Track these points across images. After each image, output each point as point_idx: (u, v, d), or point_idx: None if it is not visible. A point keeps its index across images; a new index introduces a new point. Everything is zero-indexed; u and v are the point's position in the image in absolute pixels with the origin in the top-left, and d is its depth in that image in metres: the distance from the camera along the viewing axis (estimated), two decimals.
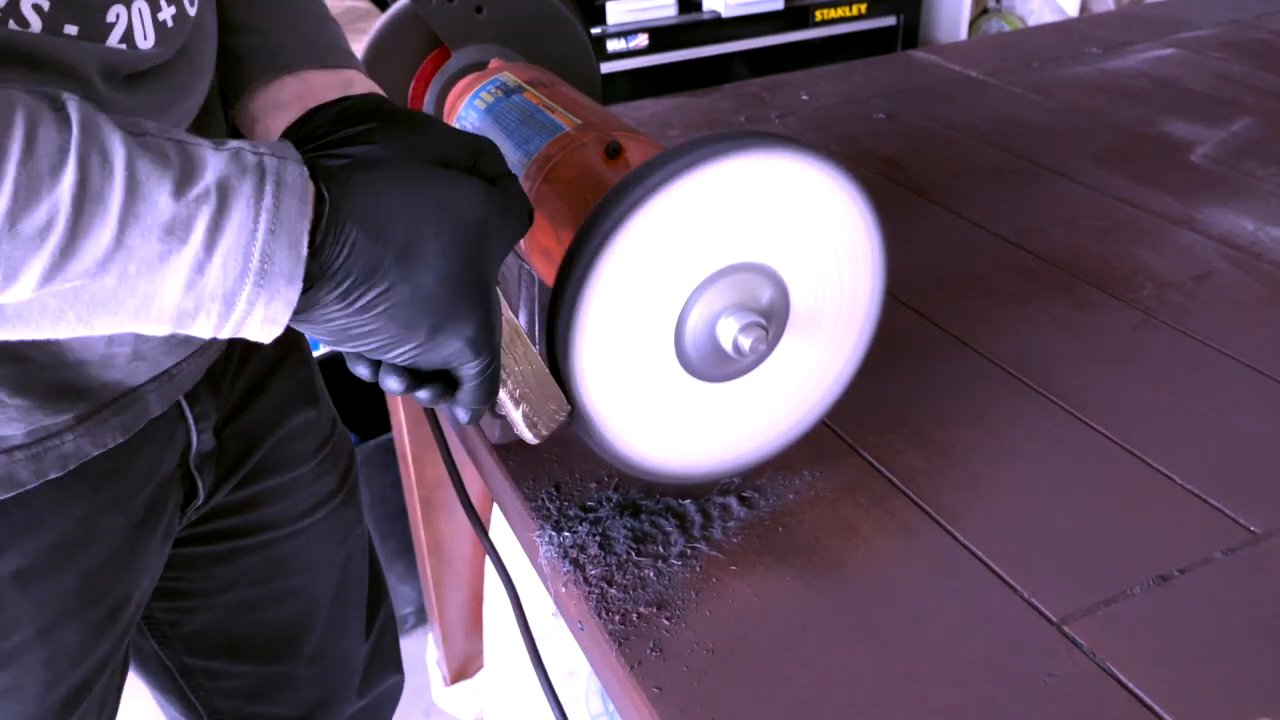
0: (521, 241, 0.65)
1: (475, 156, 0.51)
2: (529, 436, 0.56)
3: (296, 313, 0.44)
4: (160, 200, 0.40)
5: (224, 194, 0.41)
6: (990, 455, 0.70)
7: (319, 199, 0.44)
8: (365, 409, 1.55)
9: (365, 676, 0.98)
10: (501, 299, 0.54)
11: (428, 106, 0.79)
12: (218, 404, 0.71)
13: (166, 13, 0.52)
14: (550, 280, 0.56)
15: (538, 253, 0.64)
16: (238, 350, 0.73)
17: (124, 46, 0.50)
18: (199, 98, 0.59)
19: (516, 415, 0.55)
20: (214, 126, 0.62)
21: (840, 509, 0.65)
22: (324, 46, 0.62)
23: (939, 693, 0.54)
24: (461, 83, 0.74)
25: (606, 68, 2.19)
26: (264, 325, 0.44)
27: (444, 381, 0.51)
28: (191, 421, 0.68)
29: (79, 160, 0.38)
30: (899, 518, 0.65)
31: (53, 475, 0.58)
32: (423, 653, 1.67)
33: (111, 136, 0.39)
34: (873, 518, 0.65)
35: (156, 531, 0.69)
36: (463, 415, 0.53)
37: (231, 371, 0.73)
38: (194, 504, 0.73)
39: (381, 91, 0.60)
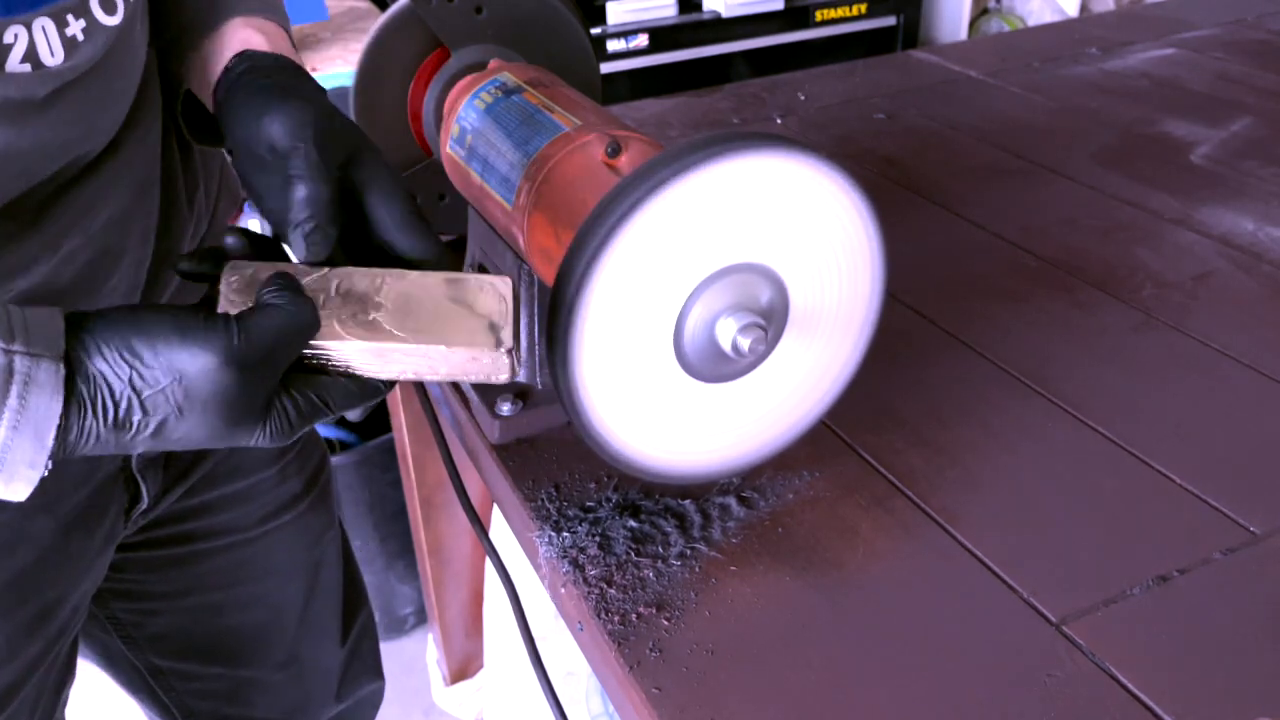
0: (521, 241, 0.65)
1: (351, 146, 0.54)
2: (505, 373, 0.55)
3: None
4: None
5: None
6: (990, 455, 0.70)
7: (70, 386, 0.45)
8: None
9: (343, 682, 0.97)
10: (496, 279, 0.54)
11: (427, 107, 0.79)
12: None
13: (75, 27, 0.52)
14: (550, 280, 0.56)
15: (538, 253, 0.63)
16: None
17: (28, 67, 0.50)
18: (126, 103, 0.59)
19: (487, 359, 0.54)
20: (147, 114, 0.63)
21: (840, 509, 0.65)
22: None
23: (939, 693, 0.54)
24: (461, 83, 0.74)
25: (606, 68, 2.19)
26: (7, 492, 0.45)
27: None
28: None
29: None
30: (899, 518, 0.65)
31: None
32: (423, 653, 1.67)
33: None
34: (873, 518, 0.65)
35: (94, 535, 0.68)
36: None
37: None
38: (138, 508, 0.73)
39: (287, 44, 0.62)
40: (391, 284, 0.54)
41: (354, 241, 0.56)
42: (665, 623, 0.58)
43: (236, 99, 0.57)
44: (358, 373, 0.52)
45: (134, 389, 0.45)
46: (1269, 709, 0.52)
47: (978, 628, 0.57)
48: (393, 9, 0.78)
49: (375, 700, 1.04)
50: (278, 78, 0.57)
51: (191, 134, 0.68)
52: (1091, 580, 0.60)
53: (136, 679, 0.86)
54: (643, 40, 2.22)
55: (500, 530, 0.91)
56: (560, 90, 0.71)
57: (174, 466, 0.74)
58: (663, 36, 2.24)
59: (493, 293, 0.55)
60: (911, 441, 0.71)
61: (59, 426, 0.45)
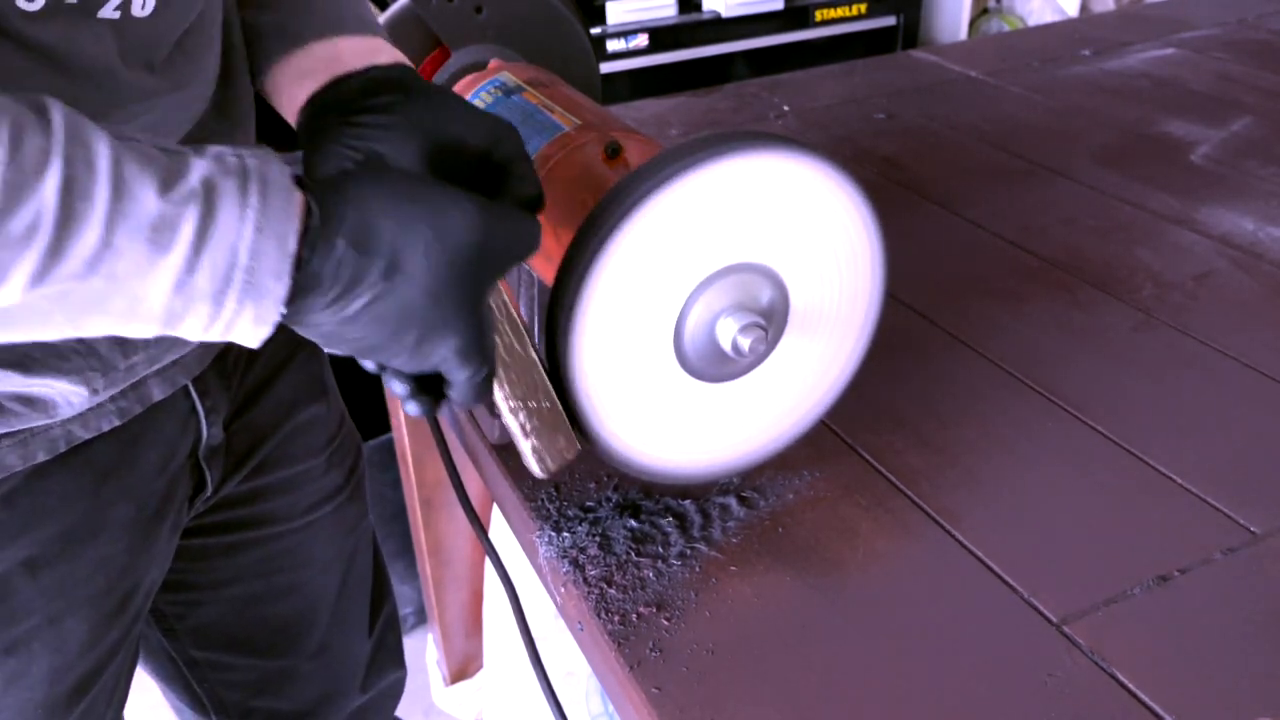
0: None
1: (493, 140, 0.51)
2: (536, 470, 0.57)
3: (284, 316, 0.44)
4: (147, 199, 0.40)
5: (210, 193, 0.41)
6: (990, 455, 0.70)
7: (308, 211, 0.44)
8: (365, 409, 1.55)
9: (368, 672, 0.98)
10: (524, 333, 0.55)
11: None
12: (228, 397, 0.71)
13: None
14: (550, 280, 0.56)
15: (537, 254, 0.63)
16: None
17: (118, 15, 0.49)
18: (203, 90, 0.59)
19: (525, 447, 0.56)
20: (236, 116, 0.62)
21: (840, 509, 0.65)
22: (352, 16, 0.61)
23: (939, 693, 0.54)
24: (461, 83, 0.74)
25: (606, 68, 2.19)
26: (254, 326, 0.43)
27: (437, 393, 0.52)
28: (202, 414, 0.68)
29: (64, 160, 0.38)
30: (899, 518, 0.65)
31: (41, 459, 0.58)
32: (423, 653, 1.67)
33: (96, 138, 0.39)
34: (873, 518, 0.65)
35: (165, 522, 0.69)
36: (457, 407, 0.54)
37: (242, 365, 0.73)
38: (202, 496, 0.73)
39: (408, 61, 0.59)
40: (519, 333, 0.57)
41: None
42: (665, 623, 0.58)
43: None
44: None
45: (383, 214, 0.44)
46: (1269, 709, 0.52)
47: (978, 628, 0.57)
48: (393, 9, 0.78)
49: (397, 690, 1.05)
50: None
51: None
52: (1091, 580, 0.60)
53: (172, 670, 0.86)
54: (643, 40, 2.22)
55: (500, 530, 0.91)
56: (560, 90, 0.71)
57: (234, 452, 0.75)
58: (663, 36, 2.24)
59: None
60: (911, 441, 0.71)
61: (300, 234, 0.42)
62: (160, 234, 0.40)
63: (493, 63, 0.75)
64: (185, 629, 0.84)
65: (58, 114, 0.39)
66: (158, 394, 0.63)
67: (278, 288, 0.42)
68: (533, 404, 0.55)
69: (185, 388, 0.66)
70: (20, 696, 0.63)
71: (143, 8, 0.51)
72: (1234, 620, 0.57)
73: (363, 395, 1.40)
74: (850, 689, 0.54)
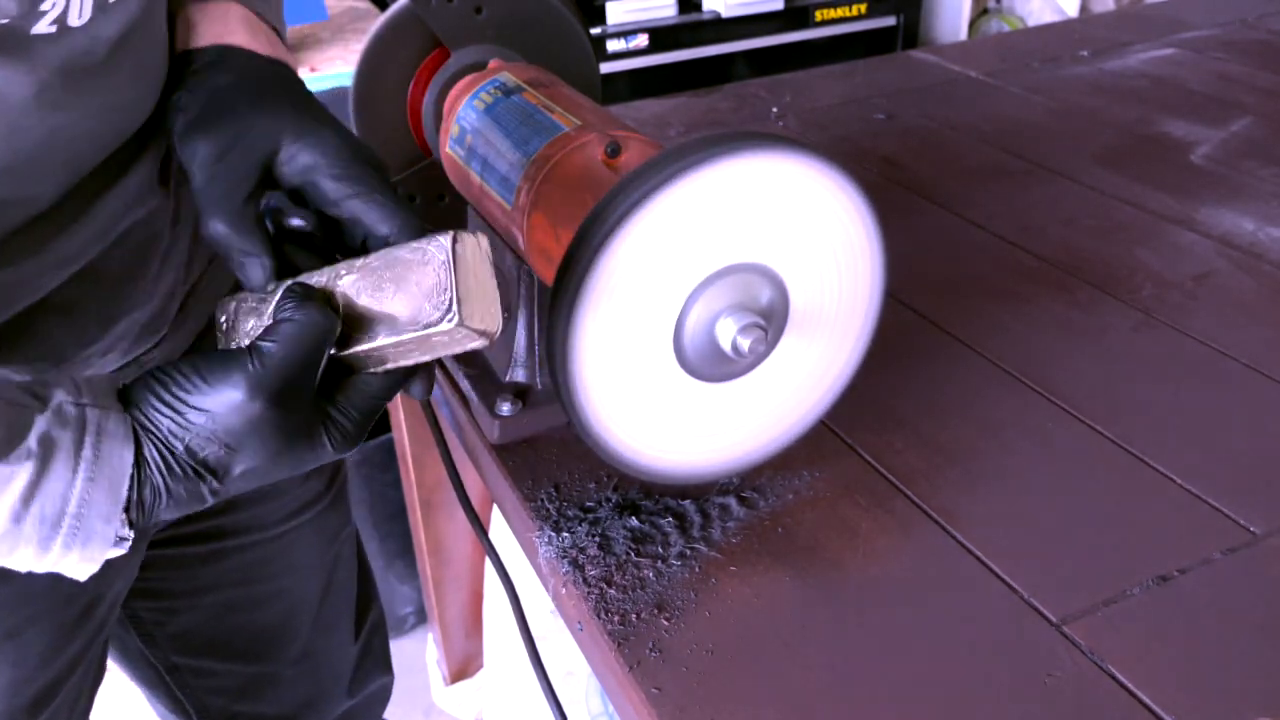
0: (521, 241, 0.65)
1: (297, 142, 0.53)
2: (481, 342, 0.52)
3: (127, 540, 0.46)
4: None
5: (46, 449, 0.43)
6: (990, 455, 0.70)
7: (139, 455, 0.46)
8: None
9: (355, 677, 0.98)
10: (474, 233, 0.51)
11: (427, 107, 0.79)
12: None
13: None
14: (550, 280, 0.56)
15: (537, 253, 0.63)
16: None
17: (54, 29, 0.49)
18: (160, 76, 0.59)
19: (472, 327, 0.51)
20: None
21: (840, 509, 0.65)
22: None
23: (939, 693, 0.54)
24: (461, 83, 0.74)
25: (606, 68, 2.19)
26: (80, 563, 0.46)
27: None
28: None
29: None
30: (899, 518, 0.65)
31: None
32: (423, 653, 1.67)
33: None
34: (873, 518, 0.65)
35: None
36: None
37: None
38: None
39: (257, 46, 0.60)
40: (374, 269, 0.52)
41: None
42: (665, 623, 0.58)
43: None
44: (390, 364, 0.51)
45: (179, 435, 0.46)
46: (1269, 709, 0.52)
47: (978, 628, 0.57)
48: (393, 9, 0.77)
49: (384, 695, 1.05)
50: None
51: None
52: (1091, 580, 0.60)
53: (153, 676, 0.86)
54: (643, 40, 2.22)
55: (500, 530, 0.91)
56: (560, 90, 0.71)
57: None
58: (663, 36, 2.24)
59: (431, 264, 0.51)
60: (911, 441, 0.71)
61: (132, 479, 0.45)
62: None
63: (493, 63, 0.75)
64: (164, 635, 0.83)
65: None
66: None
67: (107, 530, 0.45)
68: (470, 283, 0.50)
69: None
70: None
71: (80, 16, 0.51)
72: (1234, 620, 0.57)
73: None
74: (850, 689, 0.54)
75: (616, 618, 0.58)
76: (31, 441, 0.43)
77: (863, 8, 2.41)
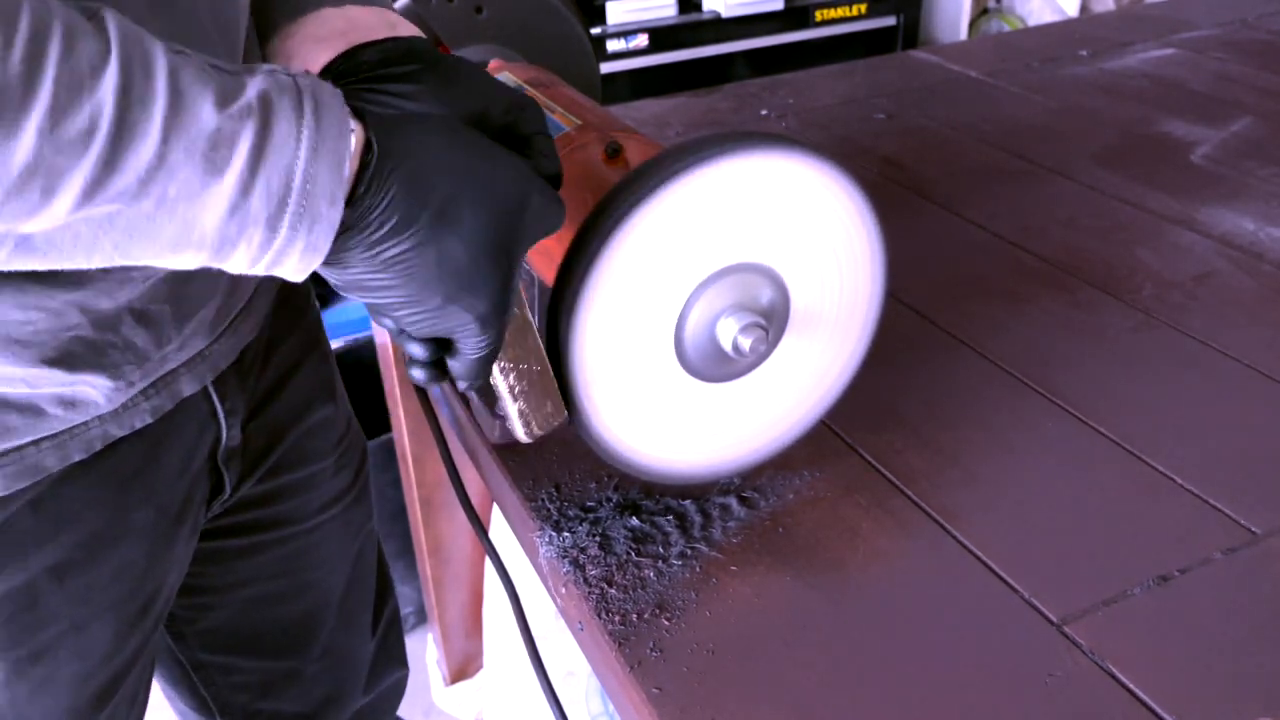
0: None
1: (516, 113, 0.51)
2: (521, 434, 0.56)
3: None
4: (204, 112, 0.38)
5: (266, 109, 0.40)
6: (990, 455, 0.70)
7: (367, 145, 0.43)
8: (365, 409, 1.55)
9: (372, 672, 0.98)
10: (522, 293, 0.53)
11: None
12: (245, 398, 0.71)
13: None
14: (550, 280, 0.56)
15: (538, 252, 0.63)
16: (264, 340, 0.73)
17: None
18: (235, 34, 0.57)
19: (512, 410, 0.55)
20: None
21: (840, 509, 0.65)
22: None
23: (939, 693, 0.54)
24: None
25: (606, 68, 2.19)
26: (303, 255, 0.42)
27: (440, 367, 0.51)
28: (222, 416, 0.68)
29: (121, 64, 0.36)
30: (899, 518, 0.65)
31: (76, 459, 0.58)
32: (423, 653, 1.67)
33: (153, 46, 0.38)
34: (873, 518, 0.65)
35: (185, 526, 0.69)
36: (460, 384, 0.53)
37: (258, 365, 0.73)
38: (220, 498, 0.73)
39: (424, 35, 0.59)
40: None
41: None
42: (666, 623, 0.58)
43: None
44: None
45: (439, 160, 0.43)
46: (1269, 709, 0.52)
47: (978, 628, 0.57)
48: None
49: (399, 690, 1.05)
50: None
51: None
52: (1091, 580, 0.60)
53: (178, 673, 0.86)
54: (643, 40, 2.22)
55: (500, 530, 0.91)
56: (560, 90, 0.71)
57: (250, 454, 0.74)
58: (663, 36, 2.24)
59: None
60: (911, 441, 0.71)
61: (355, 162, 0.41)
62: (216, 151, 0.38)
63: (493, 63, 0.75)
64: (194, 632, 0.84)
65: (112, 19, 0.37)
66: (188, 389, 0.62)
67: (332, 213, 0.41)
68: (524, 366, 0.54)
69: (205, 389, 0.67)
70: (45, 704, 0.63)
71: None
72: (1234, 620, 0.57)
73: (363, 395, 1.40)
74: (850, 689, 0.54)
75: (617, 617, 0.58)
76: (251, 95, 0.39)
77: (863, 8, 2.42)
